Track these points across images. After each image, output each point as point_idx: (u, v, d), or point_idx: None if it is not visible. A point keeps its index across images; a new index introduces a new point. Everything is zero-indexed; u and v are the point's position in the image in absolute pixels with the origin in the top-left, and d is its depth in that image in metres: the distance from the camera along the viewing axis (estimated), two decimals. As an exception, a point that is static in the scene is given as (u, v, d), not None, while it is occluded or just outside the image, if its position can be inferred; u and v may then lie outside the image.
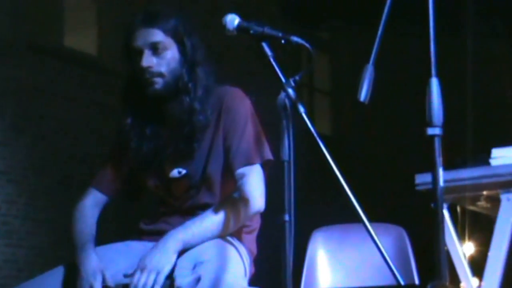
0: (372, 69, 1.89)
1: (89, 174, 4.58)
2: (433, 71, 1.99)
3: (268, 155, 2.44)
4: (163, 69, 2.41)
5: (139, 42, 2.41)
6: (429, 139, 1.98)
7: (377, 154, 9.45)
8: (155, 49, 2.40)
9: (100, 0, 6.70)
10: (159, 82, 2.41)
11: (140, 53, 2.40)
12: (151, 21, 2.42)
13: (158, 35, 2.40)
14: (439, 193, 1.98)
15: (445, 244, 2.00)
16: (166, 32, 2.41)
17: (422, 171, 3.32)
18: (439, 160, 2.00)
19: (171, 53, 2.42)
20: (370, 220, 2.68)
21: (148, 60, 2.39)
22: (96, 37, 6.61)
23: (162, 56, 2.41)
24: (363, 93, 1.90)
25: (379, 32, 1.91)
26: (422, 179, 3.43)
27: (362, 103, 1.98)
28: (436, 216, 1.96)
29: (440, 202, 1.98)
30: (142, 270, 2.25)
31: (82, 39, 6.58)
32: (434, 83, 1.99)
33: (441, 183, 1.98)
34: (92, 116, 6.50)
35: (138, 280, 2.23)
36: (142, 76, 2.41)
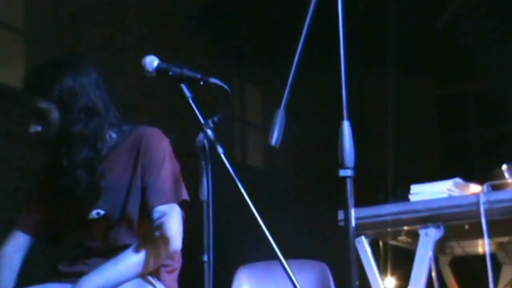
0: (283, 114, 1.94)
1: (13, 210, 4.50)
2: (345, 114, 2.06)
3: (185, 195, 2.46)
4: (49, 132, 2.42)
5: (25, 105, 2.43)
6: (342, 180, 2.03)
7: (308, 188, 9.55)
8: (39, 114, 2.41)
9: (28, 32, 6.63)
10: (47, 143, 2.43)
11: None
12: (32, 87, 2.43)
13: (38, 102, 2.41)
14: (351, 233, 2.03)
15: (357, 279, 2.05)
16: (47, 97, 2.40)
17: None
18: (351, 200, 2.06)
19: (55, 117, 2.41)
20: (294, 256, 2.71)
21: (33, 126, 2.42)
22: (23, 71, 6.53)
23: (47, 121, 2.41)
24: (274, 138, 1.94)
25: (290, 78, 1.96)
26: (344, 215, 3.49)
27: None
28: (348, 254, 2.01)
29: (352, 241, 2.03)
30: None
31: (9, 72, 6.49)
32: (346, 126, 2.06)
33: (353, 223, 2.04)
34: (17, 151, 6.39)
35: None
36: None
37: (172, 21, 7.20)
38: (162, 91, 6.93)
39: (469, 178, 3.69)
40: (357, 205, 3.69)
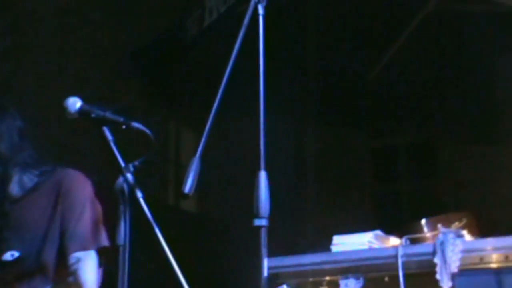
0: (198, 162, 1.96)
1: None
2: (262, 164, 2.09)
3: (105, 241, 2.43)
4: None
5: None
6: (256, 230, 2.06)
7: (241, 233, 9.54)
8: None
9: None
10: None
11: None
12: None
13: None
14: (263, 283, 2.05)
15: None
16: None
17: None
18: (264, 250, 2.08)
19: None
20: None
21: None
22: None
23: None
24: (188, 186, 1.96)
25: (207, 127, 1.99)
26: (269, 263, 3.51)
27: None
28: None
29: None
30: None
31: None
32: (262, 176, 2.09)
33: (265, 272, 2.06)
34: None
35: None
36: None
37: (108, 63, 7.20)
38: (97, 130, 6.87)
39: (397, 230, 3.77)
40: (283, 253, 3.74)
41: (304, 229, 7.73)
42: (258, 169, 2.08)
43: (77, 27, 6.92)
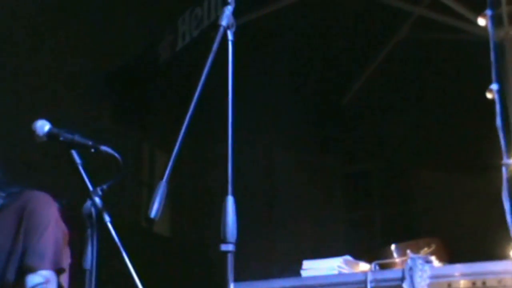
0: (165, 186, 1.96)
1: None
2: (230, 190, 2.09)
3: (63, 263, 2.42)
4: None
5: None
6: (223, 254, 2.06)
7: (212, 257, 9.51)
8: None
9: None
10: None
11: None
12: None
13: None
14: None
15: None
16: None
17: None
18: (230, 275, 2.07)
19: None
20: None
21: None
22: None
23: None
24: (154, 210, 1.96)
25: (175, 152, 2.00)
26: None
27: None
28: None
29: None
30: None
31: None
32: (230, 201, 2.09)
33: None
34: None
35: None
36: None
37: (82, 85, 7.18)
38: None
39: (367, 255, 3.79)
40: (252, 277, 3.74)
41: (274, 253, 7.73)
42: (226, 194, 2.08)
43: (50, 48, 6.91)
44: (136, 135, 7.66)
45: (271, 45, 4.92)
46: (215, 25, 2.23)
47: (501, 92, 2.81)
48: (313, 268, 3.55)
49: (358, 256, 3.79)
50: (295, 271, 3.63)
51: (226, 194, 2.08)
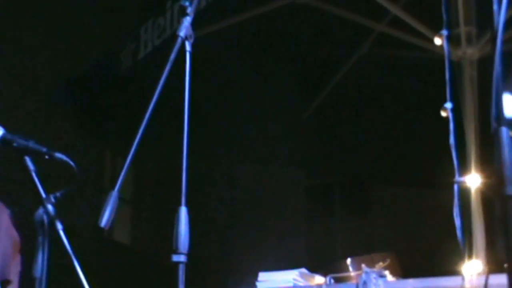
0: (116, 196, 1.95)
1: None
2: (183, 200, 2.09)
3: (8, 275, 2.39)
4: None
5: None
6: (174, 266, 2.06)
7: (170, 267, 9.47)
8: None
9: None
10: None
11: None
12: None
13: None
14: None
15: None
16: None
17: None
18: (181, 286, 2.07)
19: None
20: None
21: None
22: None
23: None
24: (104, 219, 1.95)
25: (128, 161, 1.99)
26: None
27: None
28: None
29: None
30: None
31: None
32: (183, 211, 2.09)
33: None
34: None
35: None
36: None
37: (42, 92, 7.12)
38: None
39: (322, 268, 3.80)
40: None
41: (231, 265, 7.73)
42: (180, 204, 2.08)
43: (8, 54, 6.85)
44: (98, 142, 7.60)
45: (232, 56, 4.94)
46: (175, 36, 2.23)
47: (455, 110, 2.85)
48: (268, 280, 3.56)
49: (317, 269, 3.80)
50: (251, 283, 3.64)
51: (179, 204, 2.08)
